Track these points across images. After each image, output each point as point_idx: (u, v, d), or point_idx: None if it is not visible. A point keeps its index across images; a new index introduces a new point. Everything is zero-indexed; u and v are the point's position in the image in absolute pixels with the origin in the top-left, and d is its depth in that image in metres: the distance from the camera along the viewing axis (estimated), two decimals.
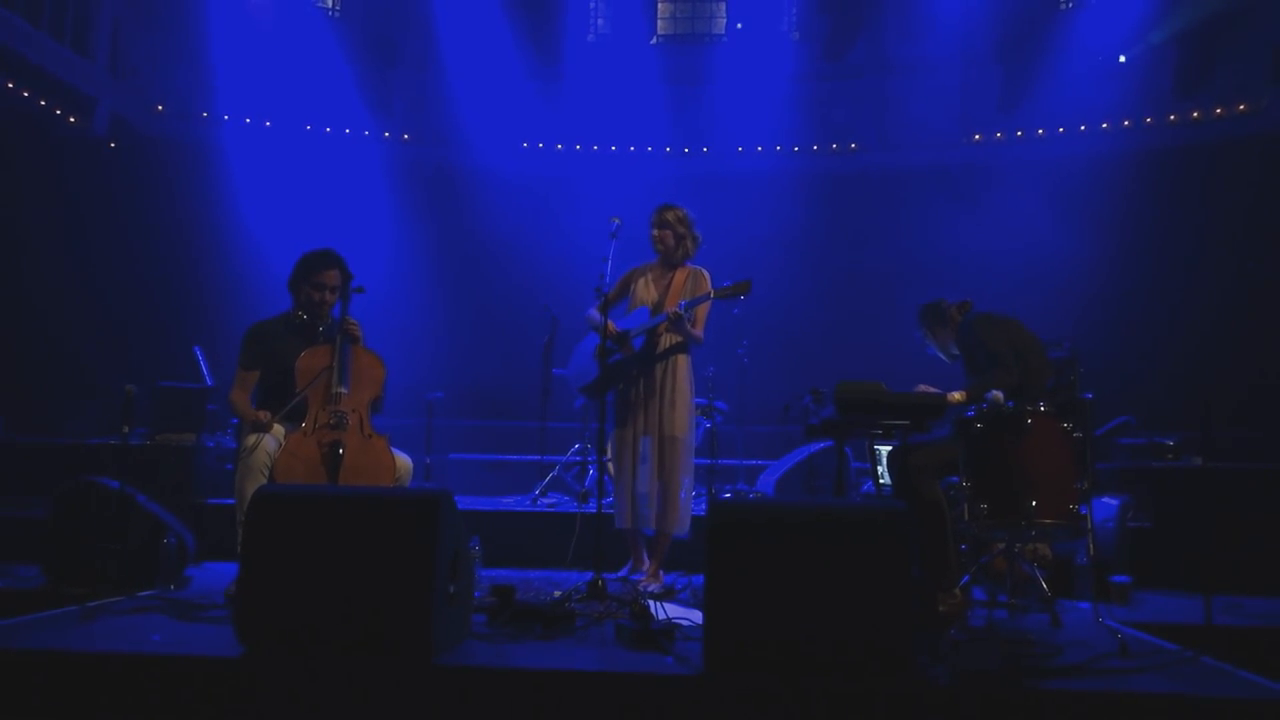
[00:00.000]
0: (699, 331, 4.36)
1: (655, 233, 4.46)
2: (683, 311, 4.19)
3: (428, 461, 6.78)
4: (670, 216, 4.45)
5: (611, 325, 4.28)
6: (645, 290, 4.46)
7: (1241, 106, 8.61)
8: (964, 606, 3.45)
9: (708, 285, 4.34)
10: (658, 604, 3.34)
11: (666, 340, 4.34)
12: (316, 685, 2.57)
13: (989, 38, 9.67)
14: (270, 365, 3.96)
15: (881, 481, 4.72)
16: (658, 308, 4.37)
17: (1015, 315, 4.00)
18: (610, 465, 4.48)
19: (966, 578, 3.57)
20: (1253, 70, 8.59)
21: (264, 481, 3.58)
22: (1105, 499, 4.72)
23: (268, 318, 4.12)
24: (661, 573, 4.35)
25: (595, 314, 4.40)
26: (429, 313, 9.11)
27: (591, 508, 4.18)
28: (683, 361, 4.36)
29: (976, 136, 9.76)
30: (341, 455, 3.64)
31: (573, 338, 4.81)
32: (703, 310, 4.36)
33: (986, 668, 2.76)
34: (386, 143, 10.10)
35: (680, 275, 4.42)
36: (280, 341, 3.98)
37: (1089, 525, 3.33)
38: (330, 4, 10.48)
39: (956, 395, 3.72)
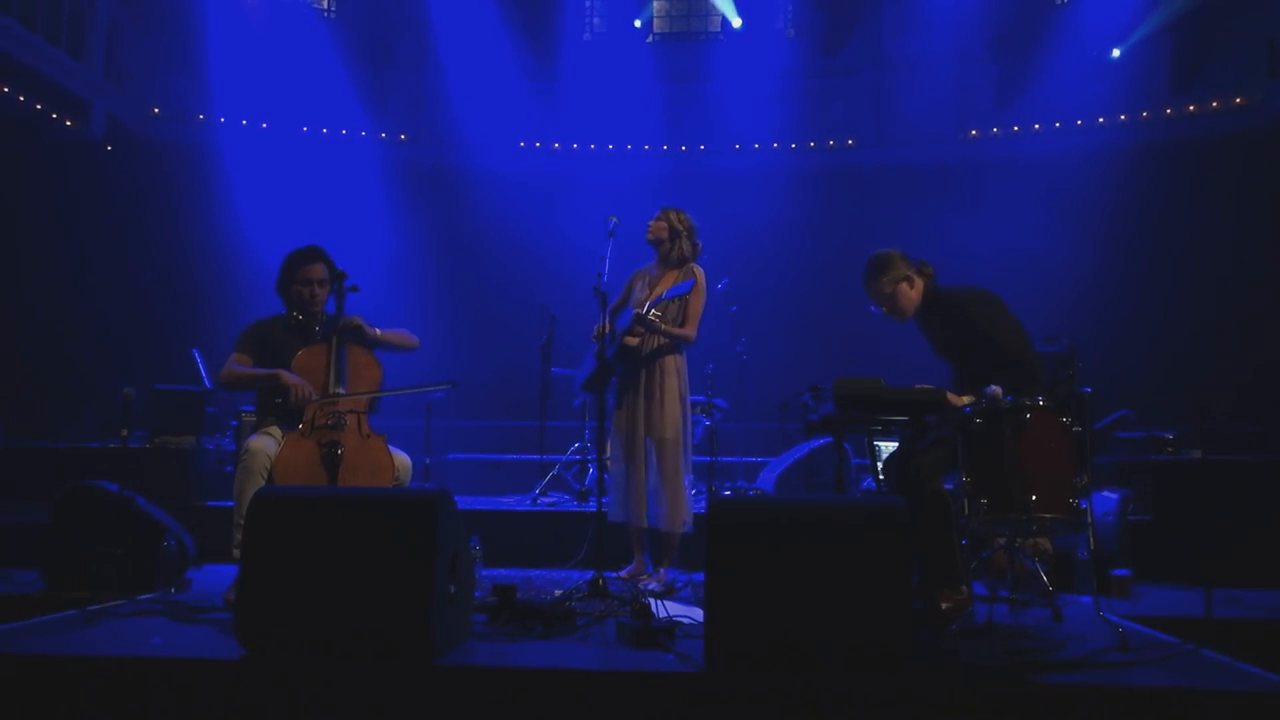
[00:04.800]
0: (687, 330, 4.30)
1: (650, 224, 4.45)
2: (646, 313, 4.15)
3: (427, 462, 6.77)
4: (672, 214, 4.44)
5: (607, 325, 4.29)
6: (642, 291, 4.45)
7: (1238, 100, 8.60)
8: (967, 603, 3.45)
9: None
10: (658, 602, 3.33)
11: (654, 340, 4.31)
12: (317, 687, 2.57)
13: (984, 34, 9.68)
14: (268, 363, 3.95)
15: (881, 478, 4.72)
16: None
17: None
18: (609, 464, 4.48)
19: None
20: (1249, 64, 8.60)
21: (263, 483, 3.56)
22: (1105, 493, 4.71)
23: (265, 316, 4.12)
24: (663, 570, 4.36)
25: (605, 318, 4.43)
26: (427, 312, 9.08)
27: (592, 506, 4.18)
28: (672, 362, 4.31)
29: (973, 132, 9.75)
30: (340, 456, 3.62)
31: (571, 336, 4.82)
32: (694, 308, 4.31)
33: (987, 662, 2.77)
34: (383, 143, 10.09)
35: (671, 276, 4.37)
36: (278, 341, 3.97)
37: (1089, 519, 3.31)
38: (325, 5, 10.47)
39: (964, 398, 3.55)
